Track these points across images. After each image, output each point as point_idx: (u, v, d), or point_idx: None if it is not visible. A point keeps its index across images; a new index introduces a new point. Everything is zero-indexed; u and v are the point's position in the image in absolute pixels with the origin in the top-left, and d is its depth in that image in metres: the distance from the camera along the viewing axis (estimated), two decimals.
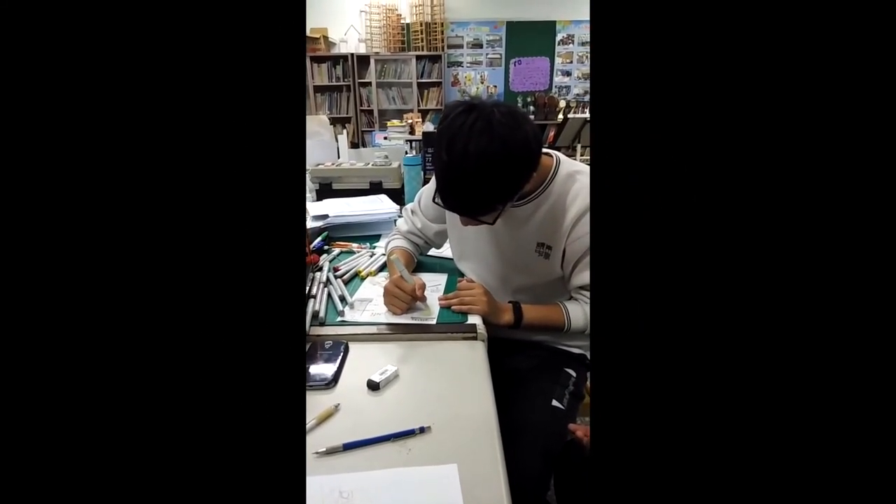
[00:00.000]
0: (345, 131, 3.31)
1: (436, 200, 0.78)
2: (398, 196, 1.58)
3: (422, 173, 1.63)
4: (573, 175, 0.86)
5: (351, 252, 1.21)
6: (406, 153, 1.67)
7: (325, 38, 4.47)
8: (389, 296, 0.88)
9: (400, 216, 1.19)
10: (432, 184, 1.01)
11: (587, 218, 0.84)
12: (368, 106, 4.70)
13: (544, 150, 0.90)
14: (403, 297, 0.86)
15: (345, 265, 1.10)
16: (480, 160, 0.68)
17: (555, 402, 0.86)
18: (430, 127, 2.89)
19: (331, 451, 0.57)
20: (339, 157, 1.94)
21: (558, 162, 0.88)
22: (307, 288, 0.94)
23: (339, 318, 0.87)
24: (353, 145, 4.13)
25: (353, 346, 0.80)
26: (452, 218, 1.00)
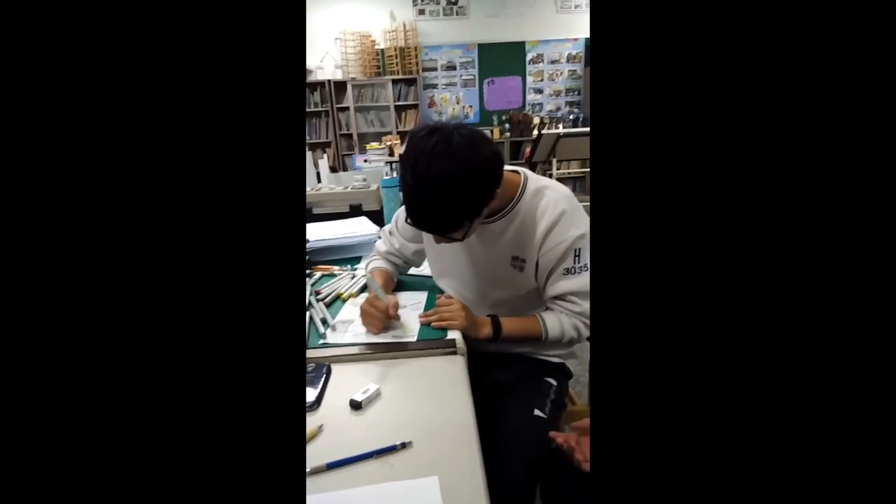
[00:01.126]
0: (325, 156, 3.32)
1: (407, 221, 0.81)
2: (378, 217, 1.59)
3: (399, 194, 1.61)
4: (541, 190, 0.89)
5: (332, 275, 1.21)
6: (385, 175, 1.67)
7: None
8: (365, 315, 0.89)
9: (379, 237, 1.20)
10: None
11: (557, 230, 0.86)
12: (347, 130, 4.74)
13: (512, 167, 0.93)
14: (377, 316, 0.88)
15: (326, 288, 1.10)
16: (442, 181, 0.71)
17: (537, 412, 0.87)
18: None
19: (315, 472, 0.57)
20: (318, 182, 1.96)
21: (526, 179, 0.91)
22: None
23: (322, 341, 0.88)
24: (333, 169, 4.14)
25: (335, 368, 0.80)
26: (429, 236, 1.02)
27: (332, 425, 0.66)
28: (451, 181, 0.71)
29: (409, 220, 0.80)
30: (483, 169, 0.74)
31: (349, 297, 1.07)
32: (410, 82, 4.66)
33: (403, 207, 1.05)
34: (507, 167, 0.92)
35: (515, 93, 4.84)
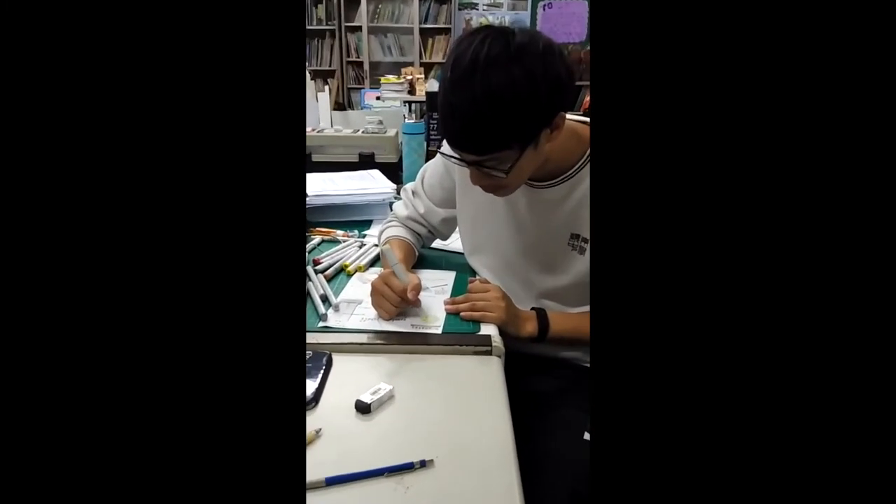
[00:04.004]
0: (327, 88, 3.31)
1: (440, 149, 0.80)
2: (394, 172, 1.58)
3: (425, 144, 1.63)
4: None
5: (335, 241, 1.22)
6: (405, 118, 1.64)
7: None
8: (377, 295, 0.89)
9: (397, 198, 1.20)
10: (439, 159, 1.04)
11: None
12: (357, 57, 4.70)
13: (581, 117, 0.91)
14: (392, 299, 0.88)
15: (327, 257, 1.11)
16: (494, 81, 0.71)
17: (586, 435, 0.87)
18: (435, 85, 2.88)
19: (311, 487, 0.58)
20: (319, 122, 1.95)
21: None
22: None
23: (321, 324, 0.89)
24: (339, 106, 4.13)
25: (337, 359, 0.80)
26: (464, 201, 1.02)
27: (332, 430, 0.67)
28: (507, 83, 0.71)
29: (441, 148, 0.79)
30: (548, 80, 0.73)
31: (356, 270, 1.07)
32: (443, 0, 4.58)
33: (434, 162, 1.08)
34: (576, 116, 0.90)
35: (579, 22, 4.70)
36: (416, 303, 0.91)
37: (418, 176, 1.11)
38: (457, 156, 0.82)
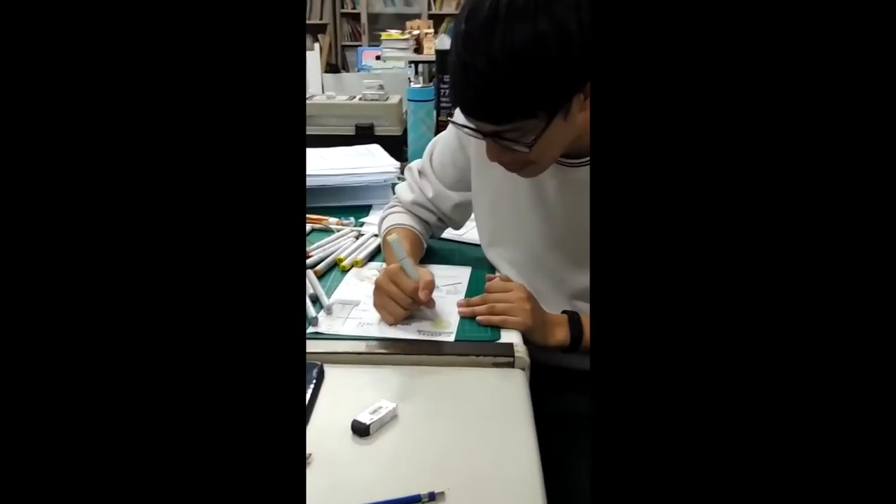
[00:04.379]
0: (317, 46, 3.31)
1: (450, 117, 0.79)
2: (398, 148, 1.59)
3: (435, 114, 1.63)
4: None
5: (327, 231, 1.21)
6: (410, 82, 1.68)
7: None
8: (381, 294, 0.89)
9: (401, 178, 1.21)
10: (451, 131, 1.04)
11: None
12: (353, 7, 4.69)
13: None
14: (401, 299, 0.87)
15: (318, 250, 1.10)
16: (518, 38, 0.70)
17: None
18: (446, 42, 2.86)
19: None
20: (308, 87, 1.95)
21: None
22: None
23: (311, 329, 0.89)
24: (331, 68, 4.12)
25: (330, 371, 0.80)
26: (482, 182, 1.01)
27: (324, 456, 0.66)
28: (533, 38, 0.70)
29: (451, 117, 0.79)
30: (583, 35, 0.71)
31: (353, 265, 1.07)
32: None
33: (445, 135, 1.08)
34: None
35: None
36: (430, 303, 0.90)
37: (426, 152, 1.10)
38: (472, 126, 0.81)
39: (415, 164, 1.12)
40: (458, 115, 0.83)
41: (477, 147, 0.96)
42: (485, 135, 0.81)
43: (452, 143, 1.04)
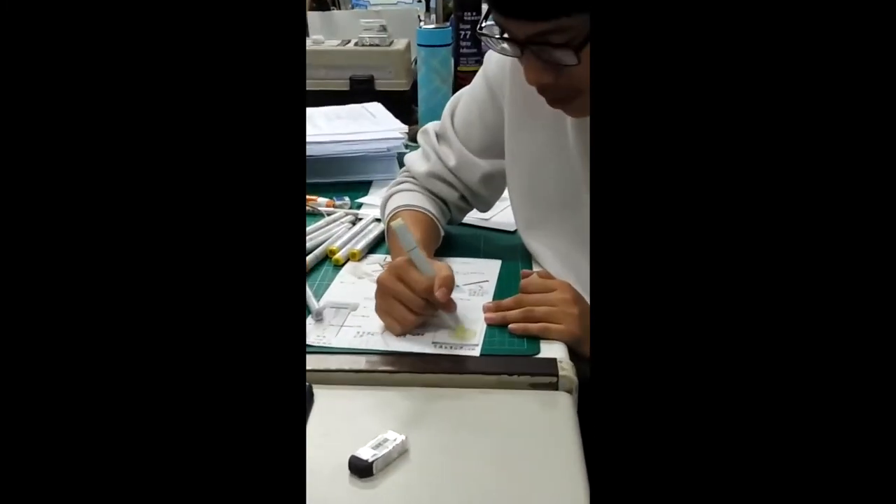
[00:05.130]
0: None
1: (482, 29, 0.79)
2: (405, 106, 1.50)
3: (452, 63, 1.51)
4: None
5: (317, 214, 1.16)
6: (420, 22, 1.53)
7: None
8: (386, 296, 0.84)
9: (411, 146, 1.18)
10: (479, 81, 0.99)
11: None
12: None
13: None
14: (411, 301, 0.82)
15: (306, 238, 1.05)
16: None
17: None
18: None
19: None
20: None
21: None
22: None
23: None
24: (320, 4, 4.03)
25: (321, 393, 0.76)
26: (520, 141, 0.94)
27: (316, 500, 0.61)
28: None
29: (482, 27, 0.78)
30: None
31: (349, 258, 1.01)
32: None
33: (470, 88, 1.03)
34: None
35: None
36: (449, 306, 0.83)
37: (446, 110, 1.02)
38: (502, 36, 0.77)
39: (431, 126, 1.04)
40: (488, 26, 0.80)
41: (513, 96, 0.91)
42: (521, 44, 0.75)
43: (481, 95, 0.98)
